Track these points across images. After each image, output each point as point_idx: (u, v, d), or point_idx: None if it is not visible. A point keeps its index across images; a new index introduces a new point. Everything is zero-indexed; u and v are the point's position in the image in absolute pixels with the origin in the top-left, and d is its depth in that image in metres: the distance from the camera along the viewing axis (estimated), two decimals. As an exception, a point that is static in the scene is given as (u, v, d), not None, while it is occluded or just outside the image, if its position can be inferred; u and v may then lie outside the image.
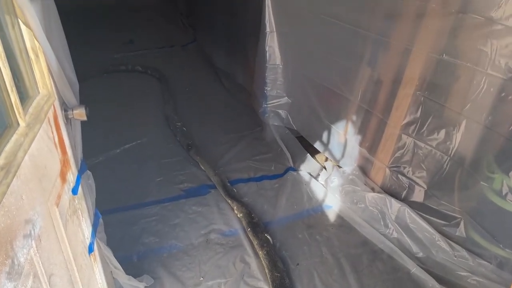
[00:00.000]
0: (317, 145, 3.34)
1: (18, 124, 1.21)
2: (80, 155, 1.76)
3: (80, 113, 1.59)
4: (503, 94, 2.00)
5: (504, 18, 1.92)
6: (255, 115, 3.77)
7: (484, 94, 2.08)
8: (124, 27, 6.58)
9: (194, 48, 5.79)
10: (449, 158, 2.32)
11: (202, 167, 3.22)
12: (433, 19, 2.24)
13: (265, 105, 3.53)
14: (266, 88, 3.45)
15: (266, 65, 3.36)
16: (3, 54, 1.15)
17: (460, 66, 2.16)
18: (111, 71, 4.95)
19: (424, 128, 2.42)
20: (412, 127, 2.48)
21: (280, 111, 3.56)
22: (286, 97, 3.51)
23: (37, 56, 1.36)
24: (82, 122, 1.71)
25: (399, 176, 2.64)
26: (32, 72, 1.37)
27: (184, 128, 3.72)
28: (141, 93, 4.51)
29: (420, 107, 2.42)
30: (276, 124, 3.58)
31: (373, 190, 2.80)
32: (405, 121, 2.51)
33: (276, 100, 3.51)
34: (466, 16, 2.08)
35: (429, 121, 2.39)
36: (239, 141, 3.62)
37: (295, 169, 3.23)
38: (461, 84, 2.19)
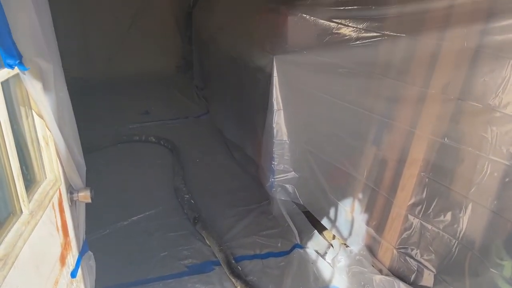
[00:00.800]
0: (324, 222, 3.31)
1: (22, 212, 1.25)
2: (82, 235, 1.78)
3: (85, 196, 1.64)
4: (507, 180, 1.99)
5: (502, 106, 1.97)
6: (263, 188, 3.78)
7: (488, 179, 2.08)
8: (141, 98, 6.85)
9: (206, 119, 5.96)
10: (457, 241, 2.27)
11: (208, 242, 3.19)
12: (433, 104, 2.30)
13: (272, 179, 3.56)
14: (273, 162, 3.50)
15: (274, 140, 3.44)
16: (13, 145, 1.23)
17: (462, 150, 2.19)
18: (125, 141, 5.10)
19: (431, 210, 2.39)
20: (418, 208, 2.46)
21: (287, 185, 3.57)
22: (293, 172, 3.54)
23: (47, 144, 1.44)
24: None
25: (407, 258, 2.57)
26: (41, 158, 1.44)
27: (192, 201, 3.74)
28: (152, 164, 4.60)
29: (426, 188, 2.42)
30: (283, 198, 3.58)
31: (381, 272, 2.71)
32: (411, 202, 2.49)
33: (283, 174, 3.54)
34: (465, 103, 2.14)
35: (435, 202, 2.37)
36: (246, 215, 3.61)
37: (302, 246, 3.18)
38: (465, 168, 2.19)
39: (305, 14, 3.10)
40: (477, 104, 2.08)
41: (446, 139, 2.25)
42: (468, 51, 2.06)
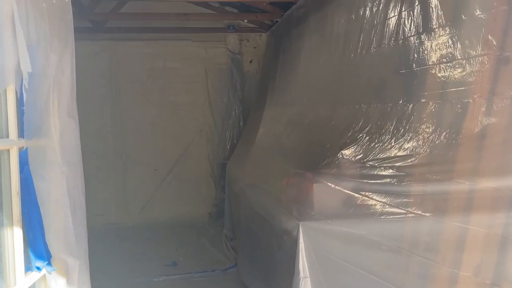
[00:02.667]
0: None
1: None
2: None
3: None
4: None
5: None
6: None
7: None
8: (171, 246, 6.87)
9: (234, 273, 5.81)
10: None
11: None
12: (467, 287, 2.18)
13: None
14: (302, 336, 3.25)
15: (301, 311, 3.25)
16: None
17: None
18: (148, 298, 4.97)
19: None
20: None
21: None
22: None
23: None
24: None
25: None
26: None
27: None
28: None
29: None
30: None
31: None
32: None
33: None
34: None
35: None
36: None
37: None
38: None
39: (330, 183, 3.21)
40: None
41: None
42: (495, 237, 2.02)
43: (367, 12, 3.66)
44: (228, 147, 8.23)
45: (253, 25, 7.83)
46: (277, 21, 6.94)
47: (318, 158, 3.60)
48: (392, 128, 2.99)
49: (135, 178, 8.24)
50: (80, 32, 7.32)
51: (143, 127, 8.22)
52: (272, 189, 4.27)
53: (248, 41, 8.31)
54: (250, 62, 8.38)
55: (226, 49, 8.18)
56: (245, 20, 7.69)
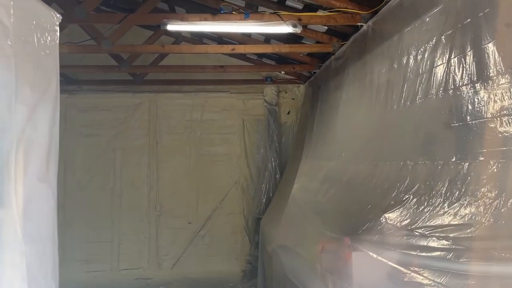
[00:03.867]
0: None
1: None
2: None
3: None
4: None
5: None
6: None
7: None
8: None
9: None
10: None
11: None
12: None
13: None
14: None
15: None
16: None
17: None
18: None
19: None
20: None
21: None
22: None
23: None
24: None
25: None
26: None
27: None
28: None
29: None
30: None
31: None
32: None
33: None
34: None
35: None
36: None
37: None
38: None
39: (371, 252, 2.77)
40: None
41: None
42: None
43: (411, 60, 3.34)
44: (264, 200, 7.87)
45: (290, 77, 7.70)
46: (315, 72, 6.76)
47: (357, 221, 3.18)
48: (444, 189, 2.57)
49: (168, 231, 8.01)
50: (120, 85, 7.50)
51: (179, 178, 8.09)
52: (306, 254, 3.85)
53: (286, 92, 8.18)
54: (288, 113, 8.19)
55: (263, 101, 8.05)
56: (283, 72, 7.58)
